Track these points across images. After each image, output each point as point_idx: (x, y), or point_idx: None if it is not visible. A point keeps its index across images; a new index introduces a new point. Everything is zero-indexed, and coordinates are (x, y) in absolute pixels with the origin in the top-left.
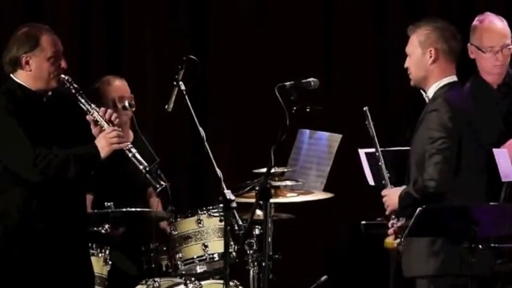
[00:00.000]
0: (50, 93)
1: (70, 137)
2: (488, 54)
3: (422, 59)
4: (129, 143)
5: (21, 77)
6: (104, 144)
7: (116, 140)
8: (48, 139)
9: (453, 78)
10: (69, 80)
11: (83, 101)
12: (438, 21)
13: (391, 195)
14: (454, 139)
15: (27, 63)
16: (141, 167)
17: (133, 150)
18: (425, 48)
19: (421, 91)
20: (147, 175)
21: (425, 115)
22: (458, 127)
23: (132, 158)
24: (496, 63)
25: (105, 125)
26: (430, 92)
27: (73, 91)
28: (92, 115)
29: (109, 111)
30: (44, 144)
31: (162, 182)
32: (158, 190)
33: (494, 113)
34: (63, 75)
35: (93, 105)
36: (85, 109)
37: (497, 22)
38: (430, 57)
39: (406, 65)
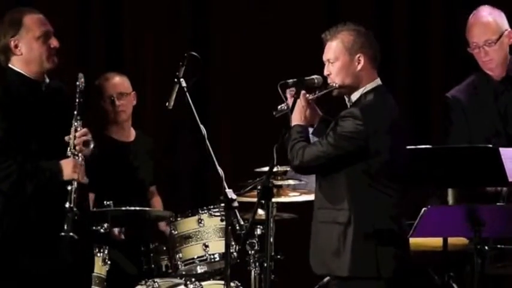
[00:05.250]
0: (47, 80)
1: (66, 127)
2: (475, 50)
3: (350, 65)
4: (85, 179)
5: (16, 64)
6: (69, 169)
7: (78, 171)
8: (45, 128)
9: (377, 82)
10: (83, 82)
11: (77, 107)
12: (357, 26)
13: (300, 108)
14: (352, 148)
15: (16, 46)
16: (67, 205)
17: (75, 185)
18: (353, 55)
19: (345, 96)
20: (68, 214)
21: (338, 120)
22: (364, 138)
23: (69, 192)
24: (483, 59)
25: (71, 147)
26: (354, 96)
27: (77, 95)
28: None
29: (84, 138)
30: (41, 133)
31: (69, 230)
32: (62, 234)
33: (490, 109)
34: (81, 74)
35: (79, 122)
36: (74, 114)
37: (483, 16)
38: (359, 63)
39: (327, 72)
